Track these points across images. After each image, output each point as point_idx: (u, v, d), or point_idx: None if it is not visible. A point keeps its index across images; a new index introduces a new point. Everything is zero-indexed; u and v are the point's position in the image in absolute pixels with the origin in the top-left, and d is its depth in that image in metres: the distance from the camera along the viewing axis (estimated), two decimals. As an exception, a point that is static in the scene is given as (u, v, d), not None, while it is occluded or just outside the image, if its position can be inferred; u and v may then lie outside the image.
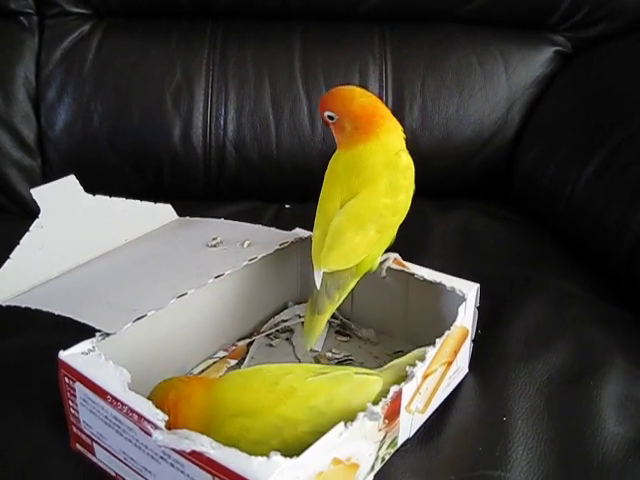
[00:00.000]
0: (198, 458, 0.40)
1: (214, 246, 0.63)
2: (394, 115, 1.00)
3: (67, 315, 0.52)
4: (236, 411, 0.45)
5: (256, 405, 0.45)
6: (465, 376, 0.59)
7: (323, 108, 0.60)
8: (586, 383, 0.57)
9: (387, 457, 0.49)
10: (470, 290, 0.56)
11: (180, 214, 0.75)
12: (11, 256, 0.59)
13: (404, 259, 0.62)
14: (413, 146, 0.97)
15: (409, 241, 0.82)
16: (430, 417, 0.54)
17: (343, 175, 0.58)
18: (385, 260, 0.61)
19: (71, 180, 0.66)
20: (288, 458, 0.38)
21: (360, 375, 0.48)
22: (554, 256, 0.83)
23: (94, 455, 0.49)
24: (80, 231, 0.64)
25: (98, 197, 0.66)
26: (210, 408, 0.46)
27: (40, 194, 0.63)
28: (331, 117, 0.59)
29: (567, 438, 0.52)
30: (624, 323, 0.68)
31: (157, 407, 0.44)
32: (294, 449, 0.40)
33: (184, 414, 0.45)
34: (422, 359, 0.49)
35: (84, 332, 0.50)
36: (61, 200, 0.64)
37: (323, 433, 0.41)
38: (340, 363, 0.61)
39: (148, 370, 0.52)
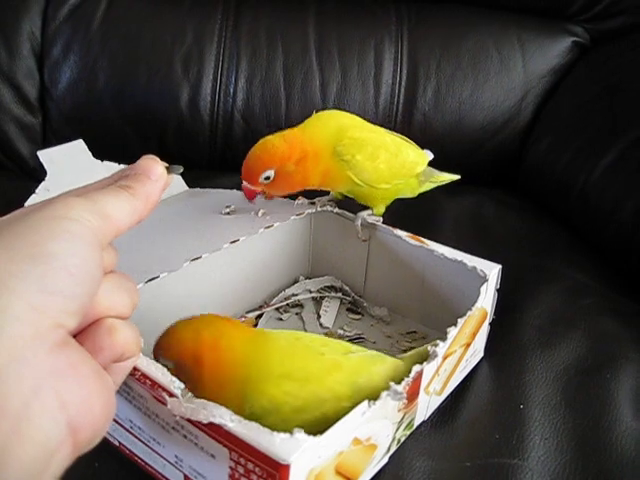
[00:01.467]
0: (215, 430, 0.37)
1: (227, 214, 0.60)
2: (408, 95, 0.98)
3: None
4: (283, 373, 0.42)
5: (304, 372, 0.43)
6: (480, 360, 0.57)
7: (259, 171, 0.57)
8: (603, 375, 0.56)
9: (403, 439, 0.48)
10: (492, 270, 0.54)
11: (185, 182, 0.72)
12: None
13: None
14: (425, 128, 0.97)
15: (419, 224, 0.81)
16: (445, 400, 0.53)
17: None
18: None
19: (79, 144, 0.63)
20: (311, 436, 0.36)
21: (392, 358, 0.47)
22: (564, 246, 0.81)
23: (96, 422, 0.47)
24: (87, 197, 0.62)
25: (106, 163, 0.64)
26: (253, 361, 0.43)
27: (47, 157, 0.60)
28: (268, 177, 0.57)
29: (584, 430, 0.51)
30: (636, 316, 0.66)
31: (183, 348, 0.42)
32: (332, 423, 0.38)
33: (227, 356, 0.42)
34: (443, 339, 0.48)
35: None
36: (68, 164, 0.61)
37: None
38: (351, 341, 0.59)
39: (154, 335, 0.50)
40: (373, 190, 0.61)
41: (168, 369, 0.41)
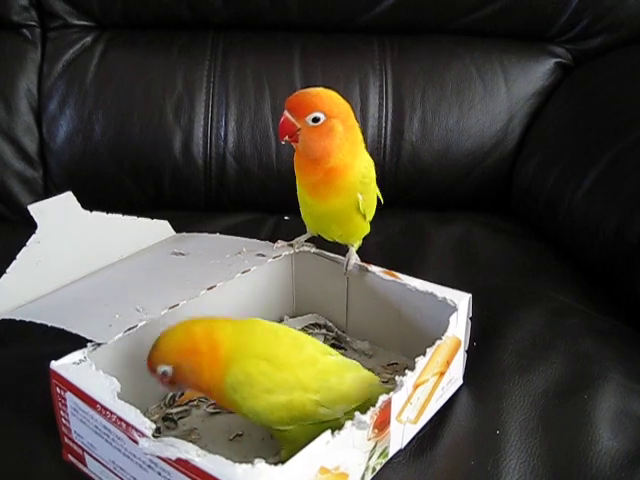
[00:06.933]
0: (184, 466, 0.40)
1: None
2: (395, 127, 0.99)
3: (59, 326, 0.52)
4: (263, 356, 0.49)
5: (283, 360, 0.49)
6: (459, 387, 0.59)
7: (310, 110, 0.55)
8: (581, 396, 0.57)
9: (378, 467, 0.49)
10: (461, 300, 0.56)
11: (180, 225, 0.74)
12: (8, 270, 0.59)
13: (402, 271, 0.62)
14: (414, 158, 0.99)
15: (407, 252, 0.83)
16: (423, 428, 0.54)
17: None
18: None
19: (69, 196, 0.66)
20: (273, 466, 0.39)
21: (367, 371, 0.52)
22: (552, 267, 0.82)
23: (85, 466, 0.50)
24: (77, 247, 0.64)
25: (95, 213, 0.66)
26: (239, 342, 0.49)
27: (38, 210, 0.63)
28: (317, 119, 0.55)
29: (560, 452, 0.52)
30: (620, 335, 0.67)
31: (181, 347, 0.49)
32: (296, 410, 0.47)
33: (220, 340, 0.49)
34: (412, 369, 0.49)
35: (78, 343, 0.51)
36: (58, 216, 0.64)
37: (323, 409, 0.48)
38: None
39: (138, 381, 0.52)
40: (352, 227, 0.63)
41: (166, 378, 0.49)
